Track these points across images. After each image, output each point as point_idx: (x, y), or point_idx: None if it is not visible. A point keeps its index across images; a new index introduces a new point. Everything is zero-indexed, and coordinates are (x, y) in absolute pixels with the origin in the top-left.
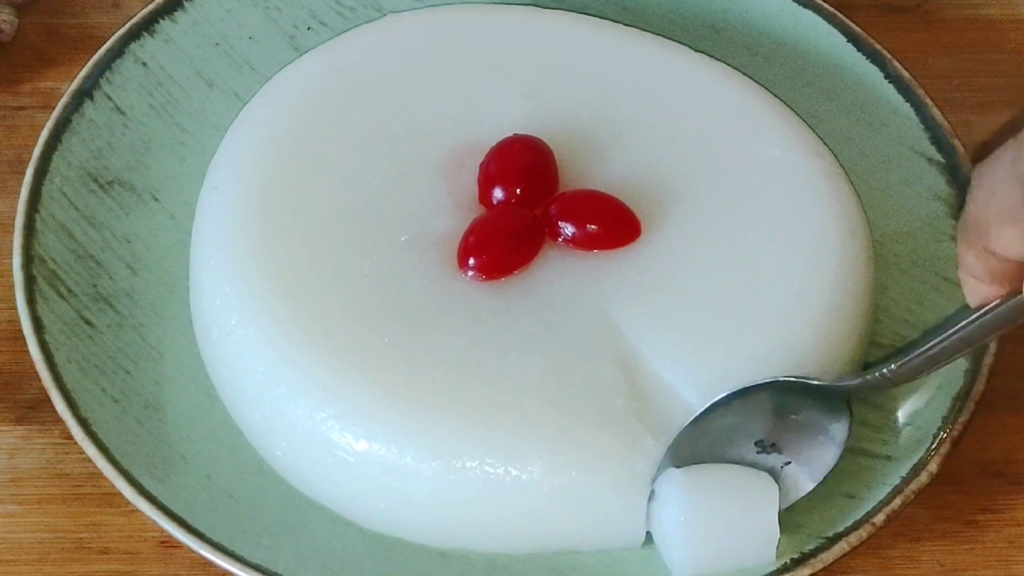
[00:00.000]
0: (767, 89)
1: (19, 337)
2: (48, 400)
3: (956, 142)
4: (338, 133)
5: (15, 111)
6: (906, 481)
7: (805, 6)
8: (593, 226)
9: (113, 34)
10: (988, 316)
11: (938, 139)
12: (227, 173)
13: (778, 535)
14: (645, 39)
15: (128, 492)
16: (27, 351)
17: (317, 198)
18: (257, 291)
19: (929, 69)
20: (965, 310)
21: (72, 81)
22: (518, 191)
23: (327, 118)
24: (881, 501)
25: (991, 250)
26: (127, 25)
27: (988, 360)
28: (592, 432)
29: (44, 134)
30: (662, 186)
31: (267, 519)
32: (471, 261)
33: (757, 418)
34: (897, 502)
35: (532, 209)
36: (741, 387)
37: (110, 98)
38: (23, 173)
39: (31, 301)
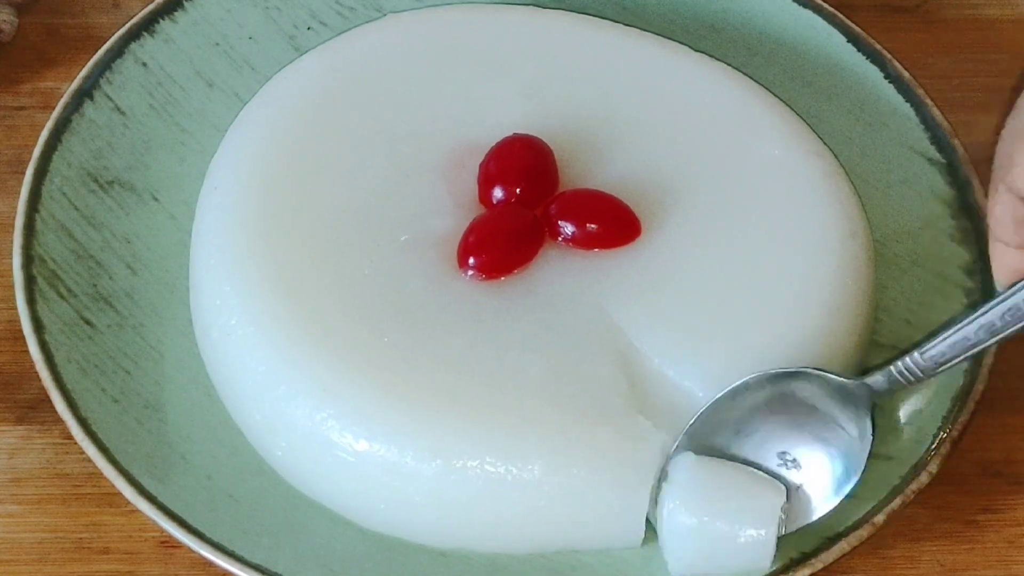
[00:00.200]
0: (767, 89)
1: (19, 337)
2: (48, 400)
3: (956, 142)
4: (338, 133)
5: (15, 111)
6: (906, 481)
7: (805, 6)
8: (593, 226)
9: (113, 34)
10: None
11: (938, 139)
12: (227, 173)
13: (774, 552)
14: (645, 39)
15: (128, 492)
16: (27, 351)
17: (317, 198)
18: (257, 291)
19: (929, 69)
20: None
21: (72, 81)
22: (518, 191)
23: (327, 118)
24: (881, 501)
25: (1017, 189)
26: (127, 25)
27: (988, 360)
28: (592, 431)
29: (44, 134)
30: (662, 186)
31: (267, 519)
32: (471, 261)
33: (783, 422)
34: (897, 502)
35: (532, 209)
36: (773, 371)
37: (110, 98)
38: (23, 173)
39: (31, 301)
